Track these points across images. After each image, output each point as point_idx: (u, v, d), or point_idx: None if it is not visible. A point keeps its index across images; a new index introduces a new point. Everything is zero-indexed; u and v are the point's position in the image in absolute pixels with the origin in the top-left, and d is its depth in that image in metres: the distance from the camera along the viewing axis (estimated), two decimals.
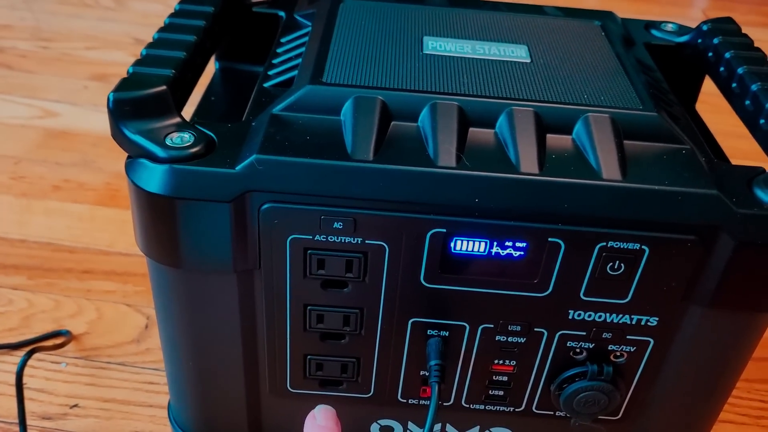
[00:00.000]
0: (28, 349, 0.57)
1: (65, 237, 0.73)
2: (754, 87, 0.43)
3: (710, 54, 0.48)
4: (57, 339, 0.61)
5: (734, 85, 0.45)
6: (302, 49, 0.44)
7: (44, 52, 1.07)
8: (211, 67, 0.54)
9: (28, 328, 0.62)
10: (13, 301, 0.64)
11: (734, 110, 0.45)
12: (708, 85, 0.52)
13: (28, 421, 0.53)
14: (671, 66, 0.51)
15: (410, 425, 0.46)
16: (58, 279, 0.67)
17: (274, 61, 0.45)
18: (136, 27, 1.16)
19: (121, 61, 1.05)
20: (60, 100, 0.96)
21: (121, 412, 0.55)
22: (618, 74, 0.42)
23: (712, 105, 0.57)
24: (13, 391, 0.55)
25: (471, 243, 0.36)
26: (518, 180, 0.35)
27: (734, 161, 0.41)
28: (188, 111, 0.46)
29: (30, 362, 0.58)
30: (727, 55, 0.46)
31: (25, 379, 0.56)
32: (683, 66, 0.51)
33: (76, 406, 0.56)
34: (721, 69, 0.47)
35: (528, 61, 0.43)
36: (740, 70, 0.44)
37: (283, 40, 0.47)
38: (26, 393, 0.55)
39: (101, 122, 0.92)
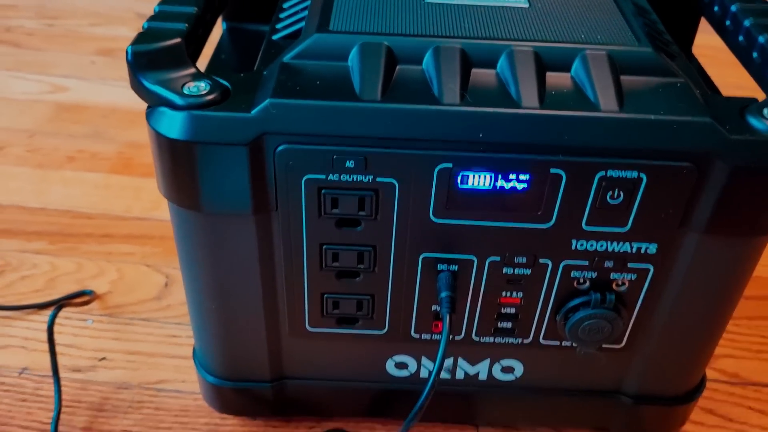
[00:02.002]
0: (55, 306, 0.60)
1: (83, 204, 0.75)
2: (746, 22, 0.44)
3: None
4: (81, 298, 0.63)
5: (728, 22, 0.46)
6: (308, 2, 0.45)
7: (50, 30, 1.09)
8: (219, 30, 0.55)
9: (53, 289, 0.64)
10: (37, 264, 0.67)
11: (728, 47, 0.46)
12: (704, 38, 0.54)
13: (60, 373, 0.56)
14: (667, 9, 0.52)
15: (423, 360, 0.48)
16: (78, 243, 0.70)
17: (281, 15, 0.47)
18: (138, 2, 1.17)
19: (126, 36, 1.07)
20: (68, 75, 0.98)
21: (146, 363, 0.58)
22: (614, 15, 0.44)
23: (709, 58, 0.58)
24: (43, 347, 0.58)
25: (476, 177, 0.38)
26: (520, 114, 0.36)
27: None
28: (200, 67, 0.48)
29: (57, 320, 0.60)
30: None
31: (54, 335, 0.59)
32: (678, 7, 0.53)
33: (104, 359, 0.58)
34: (716, 8, 0.48)
35: (526, 6, 0.44)
36: (733, 8, 0.46)
37: None
38: (56, 348, 0.58)
39: (110, 95, 0.94)
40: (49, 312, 0.61)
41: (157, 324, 0.61)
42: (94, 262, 0.67)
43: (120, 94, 0.94)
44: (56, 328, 0.60)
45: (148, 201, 0.75)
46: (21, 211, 0.73)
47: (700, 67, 0.52)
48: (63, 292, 0.63)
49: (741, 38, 0.45)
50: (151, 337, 0.60)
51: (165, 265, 0.67)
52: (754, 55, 0.43)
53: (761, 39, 0.42)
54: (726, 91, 0.44)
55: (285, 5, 0.48)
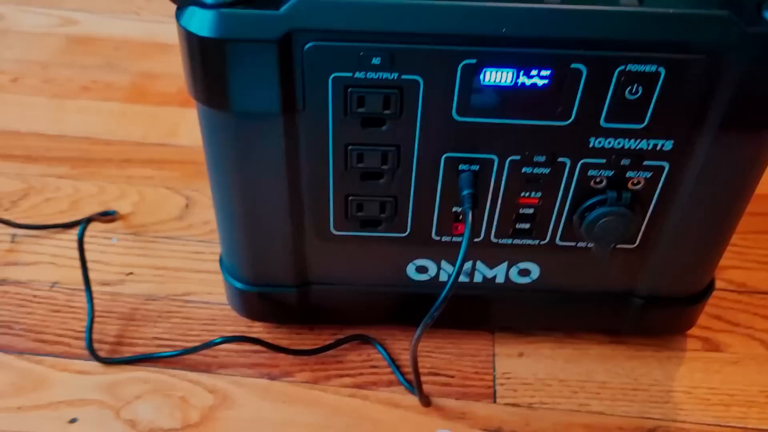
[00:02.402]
0: (84, 222, 0.61)
1: (100, 131, 0.76)
2: None
3: None
4: (106, 218, 0.65)
5: None
6: None
7: None
8: None
9: (77, 210, 0.66)
10: (61, 188, 0.68)
11: None
12: None
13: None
14: None
15: (443, 264, 0.50)
16: (99, 168, 0.71)
17: None
18: None
19: None
20: (77, 8, 0.98)
21: (173, 277, 0.60)
22: None
23: None
24: (71, 263, 0.60)
25: (499, 74, 0.39)
26: (542, 9, 0.37)
27: None
28: None
29: (83, 239, 0.62)
30: None
31: (84, 248, 0.60)
32: None
33: (131, 273, 0.60)
34: None
35: None
36: None
37: None
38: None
39: (119, 28, 0.94)
40: (75, 231, 0.63)
41: (181, 241, 0.63)
42: (116, 185, 0.69)
43: (130, 27, 0.94)
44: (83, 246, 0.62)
45: (165, 128, 0.77)
46: (40, 138, 0.75)
47: None
48: (87, 213, 0.65)
49: None
50: (176, 254, 0.62)
51: (185, 187, 0.69)
52: None
53: None
54: None
55: None
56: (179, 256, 0.62)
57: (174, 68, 0.87)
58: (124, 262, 0.61)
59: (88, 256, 0.61)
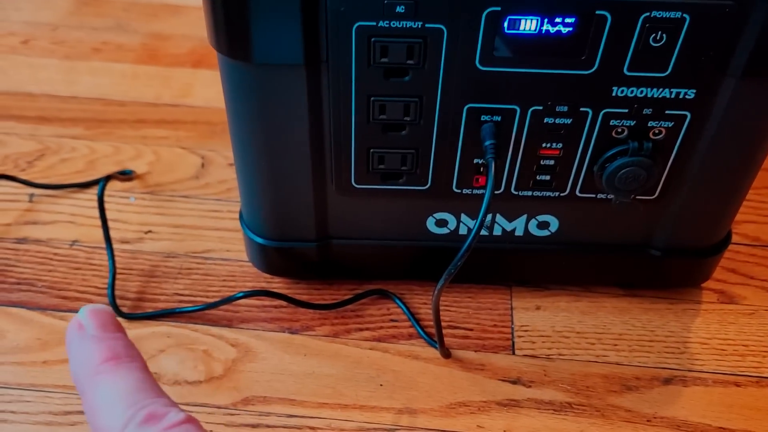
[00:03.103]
0: (102, 180, 0.61)
1: (113, 92, 0.76)
2: None
3: None
4: (122, 177, 0.65)
5: None
6: None
7: None
8: None
9: (94, 170, 0.66)
10: (76, 148, 0.68)
11: None
12: None
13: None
14: None
15: (463, 217, 0.50)
16: (113, 129, 0.71)
17: None
18: None
19: None
20: None
21: (191, 234, 0.60)
22: None
23: None
24: (91, 221, 0.60)
25: (523, 21, 0.39)
26: None
27: None
28: None
29: (103, 197, 0.62)
30: None
31: (97, 212, 0.61)
32: None
33: (150, 231, 0.60)
34: None
35: None
36: None
37: None
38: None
39: None
40: (93, 190, 0.63)
41: (197, 200, 0.64)
42: (131, 146, 0.69)
43: None
44: None
45: (178, 89, 0.76)
46: (53, 99, 0.75)
47: None
48: (103, 173, 0.65)
49: None
50: (193, 212, 0.62)
51: (200, 147, 0.69)
52: None
53: None
54: None
55: None
56: (196, 214, 0.62)
57: (185, 29, 0.87)
58: (142, 220, 0.61)
59: (107, 215, 0.61)
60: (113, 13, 0.89)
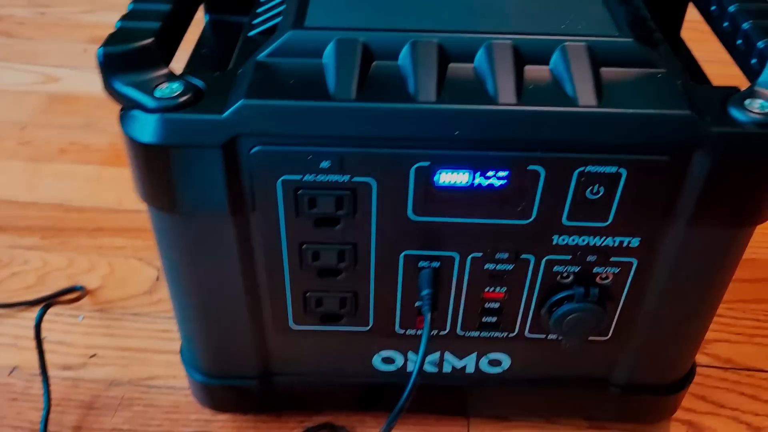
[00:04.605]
0: (43, 305, 0.60)
1: (74, 198, 0.75)
2: (731, 8, 0.43)
3: None
4: (72, 294, 0.63)
5: (713, 7, 0.45)
6: None
7: (42, 18, 1.08)
8: (202, 21, 0.55)
9: (44, 285, 0.64)
10: (29, 260, 0.67)
11: (715, 34, 0.46)
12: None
13: (50, 372, 0.56)
14: None
15: (410, 354, 0.48)
16: (70, 238, 0.70)
17: (259, 10, 0.46)
18: None
19: None
20: (61, 64, 0.97)
21: (137, 359, 0.58)
22: (596, 3, 0.43)
23: (707, 33, 0.57)
24: (33, 344, 0.58)
25: (454, 175, 0.37)
26: (496, 111, 0.36)
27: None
28: (179, 65, 0.48)
29: (48, 317, 0.61)
30: None
31: (44, 333, 0.59)
32: None
33: (94, 355, 0.58)
34: None
35: None
36: None
37: None
38: (46, 346, 0.58)
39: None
40: (39, 308, 0.61)
41: (148, 318, 0.62)
42: (86, 257, 0.67)
43: None
44: (47, 325, 0.60)
45: None
46: (12, 205, 0.73)
47: (688, 52, 0.51)
48: (54, 288, 0.63)
49: (726, 24, 0.44)
50: (142, 332, 0.60)
51: (156, 258, 0.67)
52: (738, 42, 0.42)
53: (745, 25, 0.41)
54: (721, 67, 0.43)
55: None
56: (146, 335, 0.60)
57: None
58: (88, 342, 0.59)
59: (52, 336, 0.60)
60: (85, 110, 0.89)
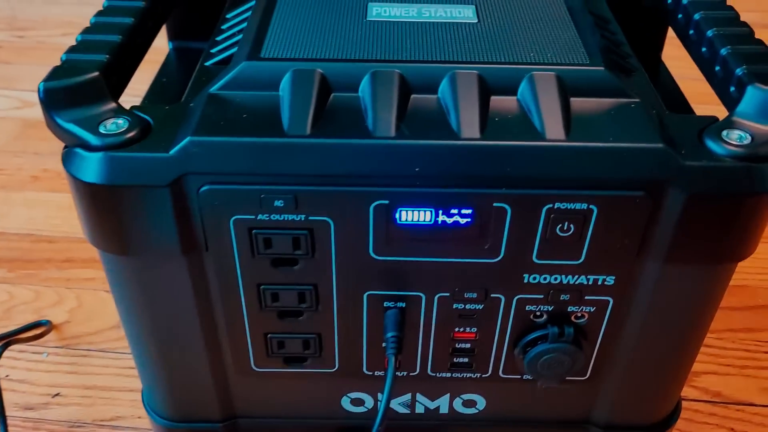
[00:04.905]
0: (3, 342, 0.57)
1: (45, 227, 0.73)
2: (709, 33, 0.41)
3: (669, 1, 0.47)
4: (37, 329, 0.61)
5: (691, 32, 0.44)
6: (244, 24, 0.43)
7: (20, 42, 1.07)
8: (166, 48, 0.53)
9: (8, 320, 0.62)
10: None
11: (693, 60, 0.44)
12: None
13: (10, 412, 0.54)
14: (632, 15, 0.49)
15: (380, 396, 0.46)
16: (38, 269, 0.68)
17: (217, 38, 0.44)
18: None
19: None
20: (37, 89, 0.95)
21: (102, 398, 0.56)
22: (568, 29, 0.41)
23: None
24: None
25: (416, 213, 0.35)
26: (458, 146, 0.34)
27: (707, 108, 0.40)
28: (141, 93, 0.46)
29: (11, 354, 0.58)
30: (685, 1, 0.45)
31: (6, 371, 0.57)
32: (644, 15, 0.50)
33: (57, 395, 0.56)
34: (680, 16, 0.45)
35: (475, 21, 0.42)
36: (697, 16, 0.43)
37: (228, 15, 0.46)
38: (8, 384, 0.56)
39: None
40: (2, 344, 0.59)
41: (114, 355, 0.59)
42: (53, 289, 0.65)
43: None
44: (10, 362, 0.58)
45: None
46: None
47: (669, 76, 0.49)
48: (20, 322, 0.61)
49: (704, 49, 0.42)
50: (108, 370, 0.58)
51: None
52: (717, 68, 0.40)
53: (723, 51, 0.39)
54: (705, 92, 0.41)
55: (223, 26, 0.45)
56: (112, 372, 0.58)
57: None
58: (52, 381, 0.57)
59: (15, 374, 0.57)
60: None
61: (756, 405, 0.57)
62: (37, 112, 0.94)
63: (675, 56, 0.51)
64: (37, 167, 0.82)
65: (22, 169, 0.81)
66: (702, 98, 0.46)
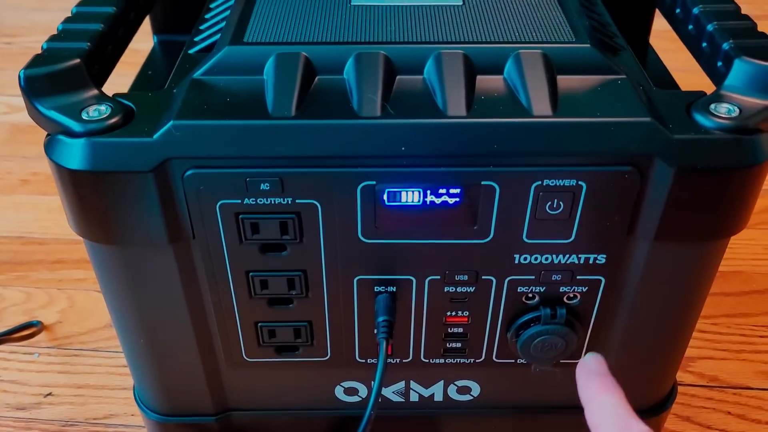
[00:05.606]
0: None
1: (35, 229, 0.72)
2: (695, 10, 0.41)
3: None
4: (28, 330, 0.60)
5: (678, 10, 0.43)
6: (227, 13, 0.42)
7: (7, 48, 1.06)
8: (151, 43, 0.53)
9: (0, 321, 0.61)
10: None
11: (680, 38, 0.44)
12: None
13: (2, 413, 0.53)
14: None
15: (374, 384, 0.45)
16: (28, 271, 0.67)
17: (201, 27, 0.44)
18: None
19: None
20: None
21: (94, 397, 0.55)
22: (554, 9, 0.41)
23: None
24: None
25: (403, 193, 0.35)
26: (444, 124, 0.34)
27: None
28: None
29: (2, 355, 0.58)
30: None
31: None
32: None
33: (50, 394, 0.56)
34: None
35: (460, 3, 0.42)
36: None
37: (212, 5, 0.46)
38: (0, 386, 0.55)
39: None
40: None
41: (107, 354, 0.59)
42: (44, 291, 0.65)
43: None
44: (1, 364, 0.58)
45: None
46: None
47: (657, 58, 0.49)
48: (10, 323, 0.61)
49: (690, 27, 0.42)
50: (100, 369, 0.58)
51: None
52: (704, 44, 0.40)
53: (710, 27, 0.39)
54: (698, 78, 0.41)
55: (207, 15, 0.45)
56: (104, 371, 0.57)
57: None
58: (43, 381, 0.57)
59: (6, 375, 0.57)
60: None
61: (752, 388, 0.56)
62: (25, 117, 0.93)
63: (662, 48, 0.50)
64: (27, 171, 0.81)
65: (11, 173, 0.80)
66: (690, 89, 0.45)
